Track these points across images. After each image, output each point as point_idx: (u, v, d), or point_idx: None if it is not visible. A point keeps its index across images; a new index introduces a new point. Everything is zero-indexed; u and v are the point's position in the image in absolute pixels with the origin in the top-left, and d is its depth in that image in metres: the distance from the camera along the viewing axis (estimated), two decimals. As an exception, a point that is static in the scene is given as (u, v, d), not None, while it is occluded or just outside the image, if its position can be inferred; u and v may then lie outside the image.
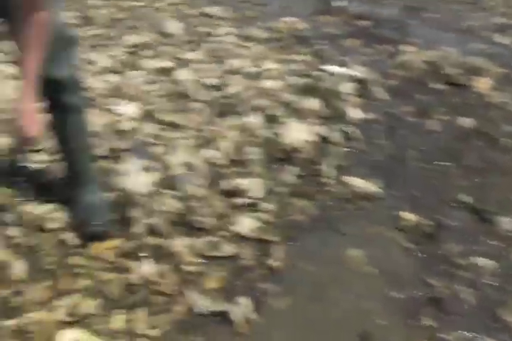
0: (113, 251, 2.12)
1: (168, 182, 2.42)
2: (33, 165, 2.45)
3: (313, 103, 3.12)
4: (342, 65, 3.64)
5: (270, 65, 3.49)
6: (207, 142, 2.72)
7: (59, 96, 2.03)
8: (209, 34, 3.88)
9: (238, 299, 1.98)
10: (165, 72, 3.32)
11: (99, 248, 2.13)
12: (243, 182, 2.46)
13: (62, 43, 1.92)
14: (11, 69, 3.14)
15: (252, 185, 2.46)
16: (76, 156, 2.19)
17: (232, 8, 4.53)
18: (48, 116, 2.17)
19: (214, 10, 4.37)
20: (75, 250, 2.13)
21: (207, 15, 4.29)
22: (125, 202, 2.26)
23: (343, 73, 3.44)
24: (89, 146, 2.26)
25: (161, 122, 2.78)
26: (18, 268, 2.01)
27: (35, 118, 1.78)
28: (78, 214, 2.18)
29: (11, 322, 1.82)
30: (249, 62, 3.50)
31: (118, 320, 1.89)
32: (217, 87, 3.17)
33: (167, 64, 3.37)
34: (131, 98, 2.99)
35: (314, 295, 2.07)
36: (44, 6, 1.69)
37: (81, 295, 1.94)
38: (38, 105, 1.79)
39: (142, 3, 4.45)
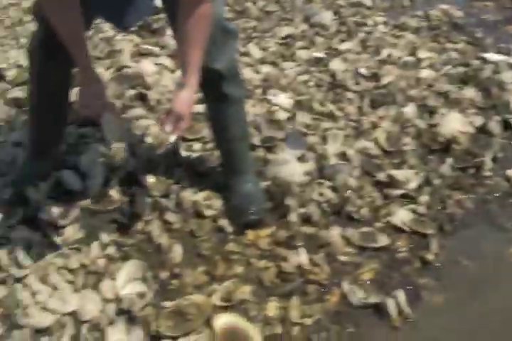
0: (268, 239, 2.15)
1: (322, 172, 2.40)
2: (190, 153, 2.52)
3: (471, 93, 2.96)
4: (503, 52, 3.42)
5: (425, 54, 3.35)
6: (361, 132, 2.67)
7: (219, 87, 2.07)
8: (360, 24, 3.80)
9: (393, 292, 1.93)
10: (318, 62, 3.29)
11: (254, 235, 2.16)
12: (398, 174, 2.39)
13: (222, 36, 1.96)
14: (169, 62, 3.26)
15: (407, 177, 2.38)
16: (234, 146, 2.23)
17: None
18: (207, 107, 2.23)
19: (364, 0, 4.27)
20: (230, 237, 2.17)
21: (357, 4, 4.19)
22: (280, 191, 2.27)
23: (505, 61, 3.23)
24: (247, 136, 2.30)
25: (314, 112, 2.77)
26: (177, 252, 2.08)
27: (191, 108, 1.80)
28: (235, 202, 2.22)
29: (170, 304, 1.89)
30: (403, 52, 3.39)
31: (272, 308, 1.90)
32: (370, 77, 3.10)
33: (320, 54, 3.34)
34: (285, 88, 3.00)
35: (473, 292, 1.97)
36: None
37: (236, 281, 1.97)
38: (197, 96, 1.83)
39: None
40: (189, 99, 1.78)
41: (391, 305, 1.86)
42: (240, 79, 2.18)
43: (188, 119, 1.79)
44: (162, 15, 3.72)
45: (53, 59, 2.04)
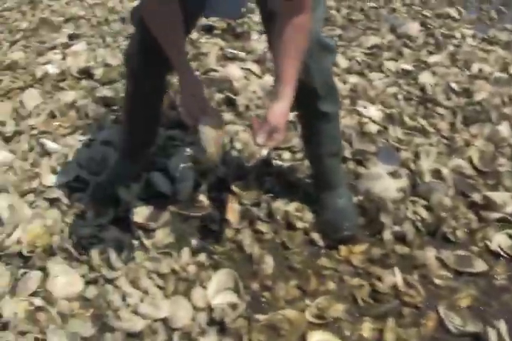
0: (361, 256, 2.10)
1: (416, 190, 2.34)
2: (280, 162, 2.49)
3: None
4: None
5: (518, 70, 3.25)
6: (454, 150, 2.60)
7: (315, 104, 2.02)
8: (448, 36, 3.71)
9: (493, 321, 1.85)
10: (406, 74, 3.23)
11: (346, 251, 2.12)
12: (494, 196, 2.31)
13: (319, 51, 1.89)
14: (256, 68, 3.25)
15: (504, 199, 2.30)
16: (327, 161, 2.18)
17: (468, 9, 4.29)
18: (301, 123, 2.19)
19: (451, 11, 4.18)
20: (322, 251, 2.13)
21: (443, 16, 4.11)
22: (374, 207, 2.21)
23: None
24: (340, 151, 2.25)
25: (405, 126, 2.70)
26: (268, 263, 2.06)
27: (286, 121, 1.75)
28: (327, 217, 2.18)
29: (263, 317, 1.86)
30: (494, 67, 3.29)
31: (366, 328, 1.86)
32: (462, 93, 3.01)
33: (408, 66, 3.28)
34: (374, 100, 2.95)
35: None
36: (308, 10, 1.66)
37: (329, 298, 1.93)
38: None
39: (377, 4, 4.37)
40: (284, 111, 1.71)
41: (492, 336, 1.79)
42: (336, 96, 2.12)
43: (282, 132, 1.71)
44: (246, 20, 3.77)
45: (151, 65, 2.04)
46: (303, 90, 1.89)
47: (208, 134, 1.73)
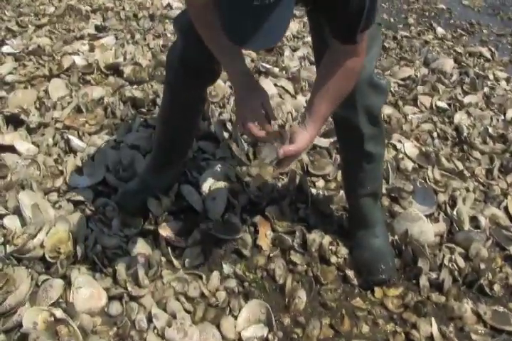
0: (395, 300, 2.04)
1: (454, 237, 2.27)
2: (314, 190, 2.41)
3: None
4: None
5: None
6: (490, 198, 2.54)
7: (361, 144, 1.95)
8: (482, 76, 3.66)
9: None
10: (441, 112, 3.17)
11: (381, 294, 2.05)
12: (533, 251, 2.25)
13: (370, 92, 1.81)
14: (290, 86, 3.17)
15: (542, 256, 2.25)
16: (365, 200, 2.11)
17: (500, 50, 4.28)
18: (344, 161, 2.12)
19: (483, 50, 4.15)
20: (356, 290, 2.06)
21: (475, 54, 4.08)
22: (410, 249, 2.14)
23: None
24: (379, 191, 2.18)
25: (442, 167, 2.64)
26: (301, 298, 1.97)
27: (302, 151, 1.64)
28: (362, 257, 2.11)
29: (293, 356, 1.77)
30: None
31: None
32: (498, 138, 2.97)
33: (443, 104, 3.22)
34: (409, 135, 2.89)
35: None
36: (363, 55, 1.57)
37: (363, 342, 1.85)
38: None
39: (409, 34, 4.33)
40: (305, 144, 1.58)
41: None
42: (382, 137, 2.04)
43: (290, 161, 1.63)
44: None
45: (192, 77, 1.95)
46: (347, 128, 1.83)
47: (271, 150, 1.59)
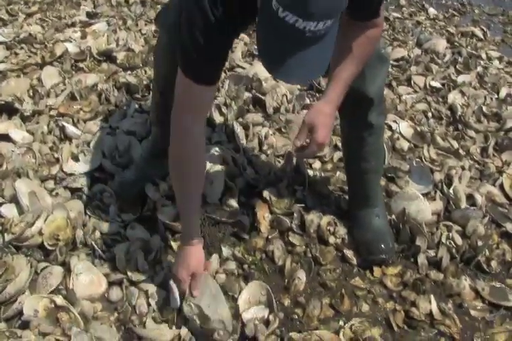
0: (394, 279, 2.05)
1: (451, 215, 2.28)
2: (311, 172, 2.41)
3: None
4: None
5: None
6: (485, 176, 2.55)
7: (365, 114, 1.94)
8: (475, 56, 3.66)
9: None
10: (435, 92, 3.17)
11: (380, 272, 2.06)
12: (527, 227, 2.27)
13: (377, 61, 1.82)
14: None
15: (538, 232, 2.26)
16: (368, 177, 2.11)
17: (492, 30, 4.27)
18: (346, 135, 2.11)
19: (475, 30, 4.14)
20: (355, 270, 2.07)
21: (468, 34, 4.07)
22: (408, 228, 2.15)
23: None
24: (382, 168, 2.18)
25: (437, 146, 2.64)
26: (301, 279, 1.98)
27: (330, 126, 1.67)
28: (363, 237, 2.11)
29: (297, 336, 1.79)
30: (523, 93, 3.26)
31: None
32: (492, 117, 2.97)
33: (437, 83, 3.22)
34: (403, 115, 2.89)
35: None
36: (382, 25, 1.61)
37: (363, 321, 1.86)
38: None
39: (401, 15, 4.32)
40: (323, 111, 1.62)
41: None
42: (384, 108, 2.06)
43: (320, 136, 1.61)
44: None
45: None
46: (353, 98, 1.82)
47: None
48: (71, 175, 2.29)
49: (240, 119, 2.66)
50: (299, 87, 3.02)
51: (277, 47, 1.21)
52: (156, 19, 1.98)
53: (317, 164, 2.49)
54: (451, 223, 2.25)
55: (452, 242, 2.16)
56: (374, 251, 2.05)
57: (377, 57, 1.82)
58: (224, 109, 2.69)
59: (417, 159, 2.54)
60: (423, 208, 2.24)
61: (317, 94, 2.98)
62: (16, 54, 3.16)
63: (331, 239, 2.13)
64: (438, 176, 2.45)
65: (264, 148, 2.53)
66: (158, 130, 2.21)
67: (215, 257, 2.01)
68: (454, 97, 3.10)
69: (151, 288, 1.89)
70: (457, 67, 3.48)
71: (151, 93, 2.25)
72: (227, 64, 3.12)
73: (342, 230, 2.17)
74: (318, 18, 1.13)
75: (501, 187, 2.50)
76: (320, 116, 1.62)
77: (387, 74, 2.02)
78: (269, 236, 2.12)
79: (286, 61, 1.21)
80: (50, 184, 2.25)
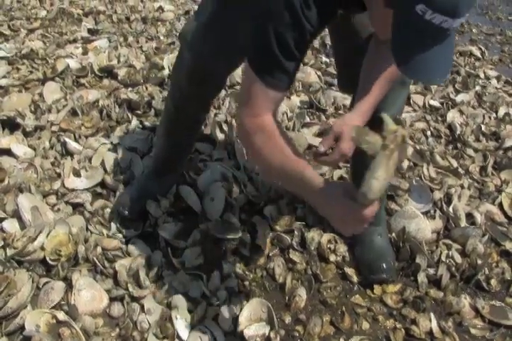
0: (394, 296, 2.05)
1: (451, 233, 2.30)
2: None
3: None
4: None
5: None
6: (484, 194, 2.57)
7: None
8: (473, 75, 3.70)
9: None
10: (434, 110, 3.21)
11: (380, 290, 2.07)
12: (527, 247, 2.28)
13: (399, 85, 1.82)
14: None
15: (536, 252, 2.27)
16: None
17: (490, 49, 4.31)
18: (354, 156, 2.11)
19: (473, 49, 4.19)
20: (356, 288, 2.07)
21: (466, 54, 4.12)
22: (408, 246, 2.16)
23: None
24: (386, 191, 2.18)
25: (437, 165, 2.66)
26: (302, 296, 1.99)
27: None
28: (364, 255, 2.12)
29: (296, 353, 1.78)
30: (520, 113, 3.29)
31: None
32: (491, 136, 3.00)
33: (435, 102, 3.25)
34: (403, 134, 2.90)
35: None
36: None
37: (364, 338, 1.87)
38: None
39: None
40: (351, 122, 1.60)
41: None
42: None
43: (345, 145, 1.57)
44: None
45: (200, 87, 1.96)
46: (373, 118, 1.82)
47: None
48: (73, 190, 2.29)
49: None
50: (299, 104, 3.04)
51: (419, 49, 1.19)
52: (180, 35, 2.00)
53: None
54: (450, 241, 2.26)
55: (452, 260, 2.17)
56: (375, 271, 2.06)
57: (401, 80, 1.83)
58: (225, 127, 2.71)
59: (417, 178, 2.55)
60: (423, 226, 2.25)
61: (317, 113, 2.99)
62: (18, 69, 3.19)
63: (332, 257, 2.14)
64: (437, 195, 2.46)
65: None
66: (164, 143, 2.22)
67: (216, 274, 2.01)
68: (452, 116, 3.13)
69: (153, 304, 1.89)
70: (456, 86, 3.51)
71: (163, 107, 2.26)
72: (228, 81, 3.15)
73: (342, 248, 2.18)
74: (463, 15, 1.13)
75: (500, 206, 2.51)
76: (349, 127, 1.59)
77: (406, 97, 2.02)
78: (270, 254, 2.13)
79: (428, 61, 1.20)
80: (52, 199, 2.25)
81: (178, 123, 2.12)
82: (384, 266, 2.06)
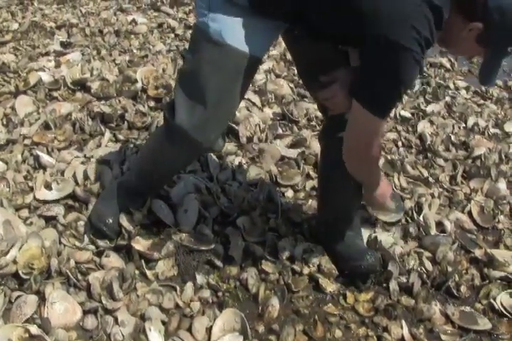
0: (366, 305, 2.08)
1: (421, 241, 2.34)
2: (284, 200, 2.45)
3: None
4: None
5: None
6: (454, 203, 2.62)
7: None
8: (443, 86, 3.77)
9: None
10: (405, 121, 3.25)
11: (352, 299, 2.09)
12: (496, 254, 2.32)
13: None
14: (257, 99, 3.21)
15: (506, 258, 2.32)
16: (350, 202, 2.13)
17: (460, 60, 4.39)
18: (323, 159, 2.14)
19: (443, 61, 4.27)
20: (328, 297, 2.10)
21: (436, 65, 4.19)
22: (380, 255, 2.19)
23: None
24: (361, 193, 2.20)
25: (407, 174, 2.71)
26: (275, 306, 2.00)
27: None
28: (347, 248, 2.16)
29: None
30: (489, 122, 3.36)
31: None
32: (460, 145, 3.06)
33: (407, 113, 3.31)
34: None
35: None
36: None
37: (337, 347, 1.89)
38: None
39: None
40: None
41: None
42: None
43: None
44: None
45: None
46: (336, 119, 1.85)
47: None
48: (44, 202, 2.29)
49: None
50: (271, 116, 3.07)
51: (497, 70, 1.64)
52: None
53: (290, 193, 2.53)
54: (421, 249, 2.30)
55: (423, 268, 2.20)
56: (361, 258, 2.12)
57: None
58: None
59: (388, 187, 2.58)
60: (394, 235, 2.28)
61: (289, 124, 3.02)
62: (-10, 83, 3.17)
63: (305, 269, 2.16)
64: (408, 204, 2.50)
65: (238, 177, 2.56)
66: (140, 172, 2.18)
67: (189, 285, 2.02)
68: (423, 126, 3.18)
69: (126, 316, 1.89)
70: (426, 96, 3.58)
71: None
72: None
73: (315, 258, 2.19)
74: None
75: (470, 214, 2.57)
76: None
77: None
78: (243, 264, 2.14)
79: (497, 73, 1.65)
80: (25, 213, 2.25)
81: (160, 163, 2.07)
82: (368, 257, 2.12)
